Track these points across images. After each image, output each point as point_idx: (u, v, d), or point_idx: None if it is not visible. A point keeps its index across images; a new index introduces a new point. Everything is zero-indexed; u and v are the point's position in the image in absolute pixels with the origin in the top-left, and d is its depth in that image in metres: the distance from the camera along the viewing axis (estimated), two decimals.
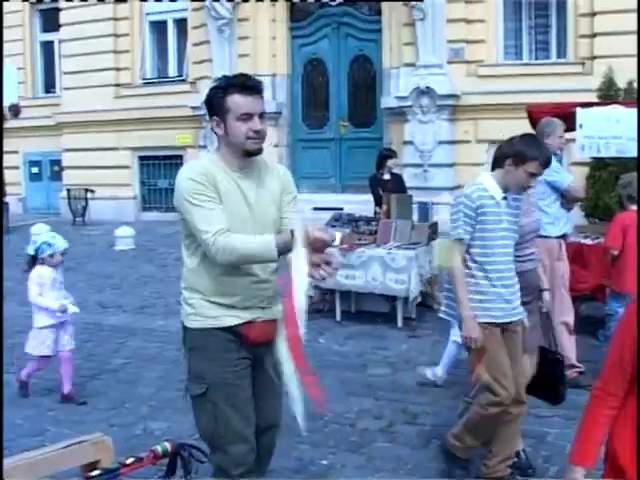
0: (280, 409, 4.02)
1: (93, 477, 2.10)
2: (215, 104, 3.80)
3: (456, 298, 4.94)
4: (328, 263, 3.49)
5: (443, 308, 5.32)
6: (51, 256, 6.99)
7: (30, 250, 7.03)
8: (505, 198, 4.93)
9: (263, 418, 3.93)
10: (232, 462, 3.73)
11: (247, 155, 3.80)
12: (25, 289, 7.04)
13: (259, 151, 3.82)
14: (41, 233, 16.10)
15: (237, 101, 3.72)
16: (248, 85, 3.77)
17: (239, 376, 3.80)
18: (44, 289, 6.99)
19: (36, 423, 6.42)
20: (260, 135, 3.77)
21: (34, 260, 7.04)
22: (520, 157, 4.83)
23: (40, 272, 7.01)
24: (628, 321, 2.98)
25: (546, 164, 5.01)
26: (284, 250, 3.50)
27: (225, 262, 3.63)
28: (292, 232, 3.49)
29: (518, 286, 5.06)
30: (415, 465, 5.47)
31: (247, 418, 3.82)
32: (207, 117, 3.91)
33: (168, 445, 2.34)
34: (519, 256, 5.22)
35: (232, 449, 3.74)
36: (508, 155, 4.91)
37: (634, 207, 7.36)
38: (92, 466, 2.58)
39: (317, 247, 3.47)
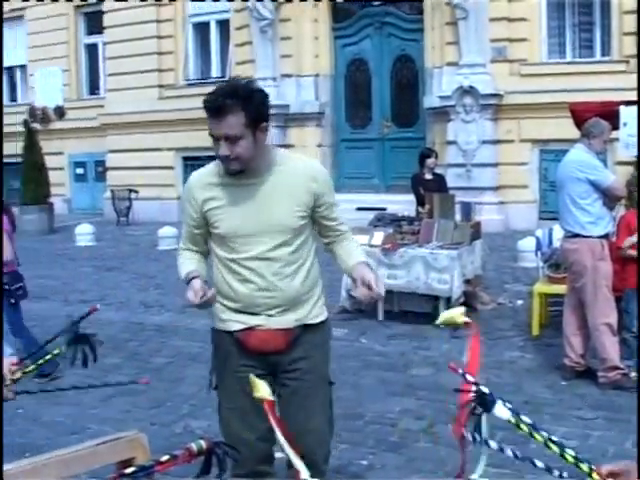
0: (311, 413, 3.79)
1: (127, 474, 2.09)
2: None
3: None
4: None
5: None
6: None
7: None
8: None
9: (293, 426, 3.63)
10: (232, 462, 3.62)
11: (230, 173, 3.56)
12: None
13: (236, 172, 3.51)
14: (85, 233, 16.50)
15: (209, 123, 3.45)
16: (209, 108, 3.41)
17: (241, 382, 3.54)
18: None
19: (77, 421, 6.44)
20: (230, 158, 3.43)
21: None
22: None
23: None
24: None
25: None
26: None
27: None
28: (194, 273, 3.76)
29: None
30: (454, 466, 5.40)
31: (248, 423, 3.67)
32: None
33: (203, 443, 2.32)
34: None
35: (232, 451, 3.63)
36: None
37: None
38: (127, 463, 2.59)
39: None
